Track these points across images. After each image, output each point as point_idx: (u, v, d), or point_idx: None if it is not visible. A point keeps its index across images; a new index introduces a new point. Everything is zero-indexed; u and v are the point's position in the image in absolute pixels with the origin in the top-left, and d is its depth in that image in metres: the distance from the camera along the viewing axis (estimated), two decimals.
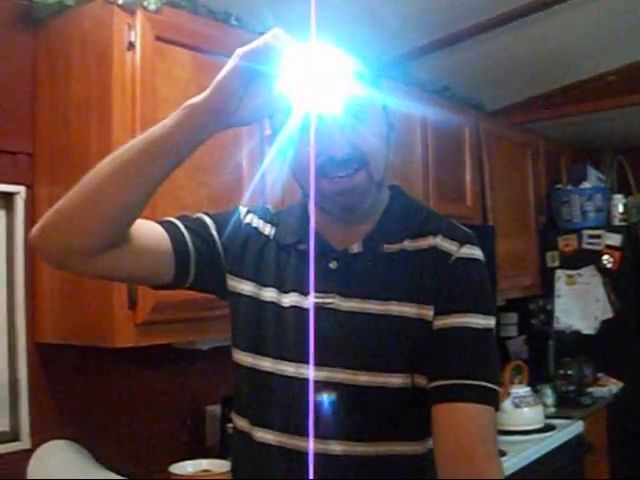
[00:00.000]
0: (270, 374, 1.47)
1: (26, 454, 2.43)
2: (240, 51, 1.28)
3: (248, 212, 1.62)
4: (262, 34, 2.70)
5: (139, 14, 2.31)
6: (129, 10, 2.29)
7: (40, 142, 2.50)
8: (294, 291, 1.49)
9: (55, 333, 2.44)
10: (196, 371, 2.96)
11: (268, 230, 1.58)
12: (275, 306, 1.50)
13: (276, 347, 1.48)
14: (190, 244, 1.51)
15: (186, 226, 1.53)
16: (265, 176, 2.62)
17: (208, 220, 1.57)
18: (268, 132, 1.50)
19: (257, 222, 1.59)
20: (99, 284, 2.25)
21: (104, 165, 1.34)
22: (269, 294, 1.51)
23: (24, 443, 2.44)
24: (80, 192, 1.35)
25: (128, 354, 2.44)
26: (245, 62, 1.27)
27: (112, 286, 2.23)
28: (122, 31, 2.28)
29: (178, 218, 1.55)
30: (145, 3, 2.33)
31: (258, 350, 1.50)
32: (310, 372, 1.39)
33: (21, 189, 2.47)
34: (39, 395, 2.50)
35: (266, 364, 1.48)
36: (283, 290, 1.50)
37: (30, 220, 2.48)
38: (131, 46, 2.29)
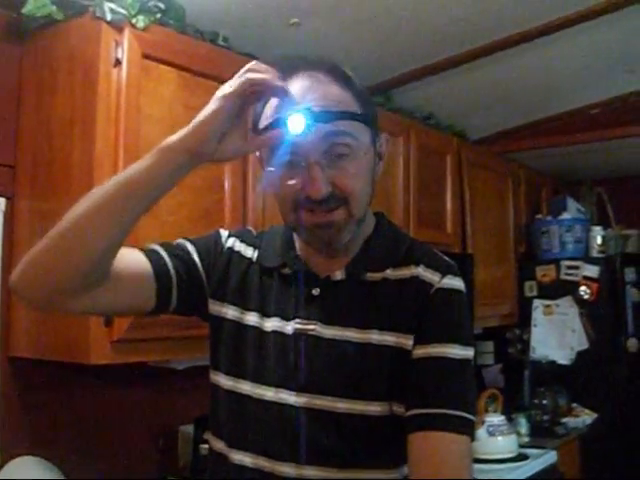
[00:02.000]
0: (249, 397, 1.46)
1: None
2: (220, 93, 1.29)
3: (230, 236, 1.60)
4: (249, 55, 2.74)
5: (127, 31, 2.31)
6: (117, 27, 2.30)
7: (22, 154, 2.49)
8: (276, 316, 1.48)
9: (29, 347, 2.42)
10: (170, 390, 2.94)
11: (250, 253, 1.56)
12: (256, 330, 1.49)
13: (256, 371, 1.47)
14: (172, 270, 1.49)
15: (167, 252, 1.51)
16: (247, 197, 2.62)
17: (189, 245, 1.56)
18: (257, 153, 1.49)
19: (239, 246, 1.58)
20: None
21: (83, 205, 1.34)
22: (251, 318, 1.50)
23: None
24: (59, 233, 1.34)
25: (102, 371, 2.42)
26: (226, 104, 1.28)
27: None
28: (109, 47, 2.29)
29: (159, 244, 1.54)
30: (133, 20, 2.33)
31: (237, 373, 1.49)
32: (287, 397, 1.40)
33: (1, 201, 2.46)
34: (10, 410, 2.47)
35: (245, 387, 1.47)
36: (265, 314, 1.49)
37: (9, 231, 2.47)
38: (118, 62, 2.29)
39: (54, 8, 2.37)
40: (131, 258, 1.45)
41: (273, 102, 1.38)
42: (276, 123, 1.34)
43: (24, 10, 2.36)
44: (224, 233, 1.61)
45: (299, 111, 1.30)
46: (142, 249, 1.50)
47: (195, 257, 1.54)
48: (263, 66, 1.30)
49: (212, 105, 1.29)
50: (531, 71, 3.77)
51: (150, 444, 2.86)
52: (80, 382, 2.66)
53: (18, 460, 2.43)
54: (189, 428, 2.87)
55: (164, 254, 1.50)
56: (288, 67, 1.40)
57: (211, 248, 1.57)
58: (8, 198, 2.48)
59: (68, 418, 2.63)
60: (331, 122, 1.34)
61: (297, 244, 1.53)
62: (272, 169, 1.39)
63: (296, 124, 1.30)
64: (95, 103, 2.26)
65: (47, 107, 2.42)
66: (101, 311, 1.62)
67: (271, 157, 1.39)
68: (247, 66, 1.30)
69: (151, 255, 1.49)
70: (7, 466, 2.40)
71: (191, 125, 1.30)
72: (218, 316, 1.54)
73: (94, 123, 2.25)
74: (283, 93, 1.31)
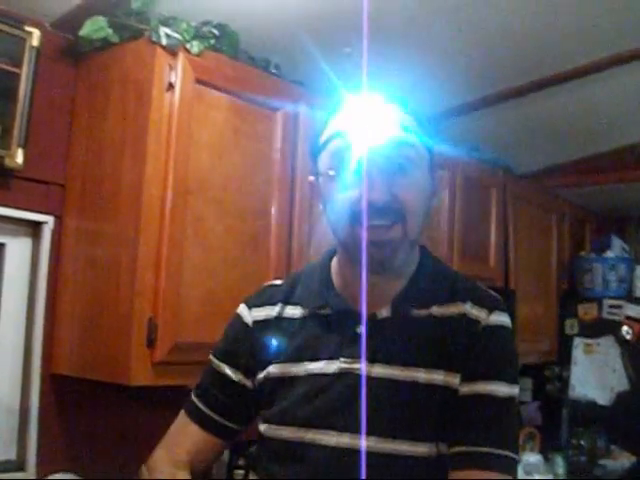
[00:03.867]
0: (291, 442, 1.45)
1: None
2: None
3: (249, 307, 1.60)
4: (299, 83, 2.76)
5: (181, 56, 2.34)
6: (172, 51, 2.33)
7: (73, 174, 2.52)
8: (320, 359, 1.46)
9: (71, 365, 2.44)
10: None
11: (276, 311, 1.56)
12: (301, 377, 1.47)
13: (300, 415, 1.45)
14: (216, 417, 1.58)
15: (206, 402, 1.59)
16: (293, 224, 2.63)
17: (217, 362, 1.61)
18: (311, 178, 1.49)
19: (260, 312, 1.58)
20: (118, 320, 2.26)
21: None
22: (295, 368, 1.48)
23: (29, 473, 2.41)
24: None
25: (142, 392, 2.43)
26: None
27: (132, 323, 2.23)
28: (163, 71, 2.31)
29: (196, 394, 1.62)
30: (188, 46, 2.36)
31: (281, 419, 1.47)
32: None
33: (50, 219, 2.49)
34: (49, 426, 2.49)
35: (287, 433, 1.46)
36: (309, 359, 1.47)
37: (56, 250, 2.49)
38: (170, 87, 2.31)
39: (110, 31, 2.41)
40: (187, 438, 1.60)
41: (334, 118, 1.40)
42: (337, 134, 1.35)
43: (80, 32, 2.40)
44: (242, 310, 1.61)
45: (362, 121, 1.31)
46: (187, 410, 1.62)
47: (228, 371, 1.58)
48: None
49: None
50: (580, 107, 3.74)
51: None
52: (119, 401, 2.67)
53: (56, 475, 2.44)
54: (224, 453, 2.86)
55: (202, 406, 1.59)
56: (345, 89, 1.43)
57: (238, 337, 1.59)
58: (57, 217, 2.51)
59: (105, 437, 2.64)
60: (394, 133, 1.35)
61: (336, 281, 1.52)
62: (331, 179, 1.39)
63: (358, 134, 1.30)
64: (147, 126, 2.28)
65: (99, 128, 2.46)
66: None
67: (330, 170, 1.39)
68: None
69: (195, 416, 1.60)
70: None
71: None
72: (262, 380, 1.53)
73: (145, 146, 2.28)
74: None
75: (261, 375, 1.53)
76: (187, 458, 1.57)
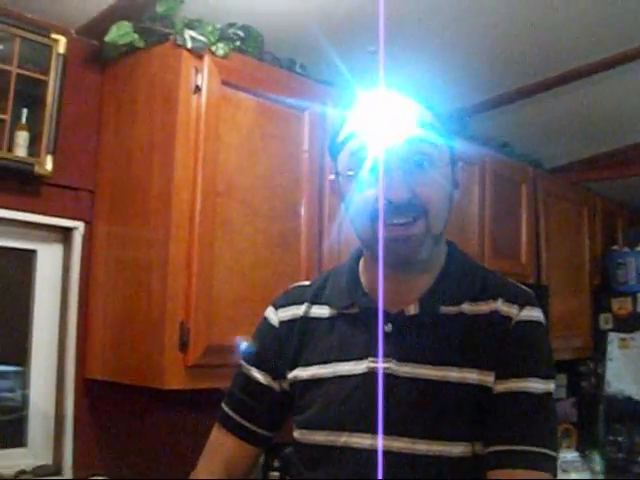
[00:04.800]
0: (324, 446, 1.43)
1: None
2: None
3: (276, 308, 1.59)
4: (325, 83, 2.75)
5: (207, 58, 2.34)
6: (197, 54, 2.33)
7: (102, 180, 2.53)
8: (350, 359, 1.44)
9: (104, 370, 2.45)
10: None
11: (303, 310, 1.54)
12: (331, 379, 1.45)
13: (332, 418, 1.43)
14: (255, 427, 1.57)
15: (235, 408, 1.59)
16: (323, 224, 2.62)
17: (246, 367, 1.60)
18: (331, 177, 1.49)
19: (286, 312, 1.57)
20: (151, 323, 2.26)
21: None
22: (323, 370, 1.47)
23: (66, 477, 2.43)
24: None
25: (176, 396, 2.43)
26: None
27: (164, 326, 2.23)
28: (189, 74, 2.31)
29: (226, 403, 1.61)
30: (213, 48, 2.36)
31: (312, 424, 1.46)
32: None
33: (80, 225, 2.50)
34: (84, 430, 2.50)
35: (318, 437, 1.44)
36: (337, 360, 1.45)
37: (87, 255, 2.50)
38: (197, 89, 2.31)
39: (136, 36, 2.42)
40: (224, 449, 1.58)
41: (351, 117, 1.40)
42: (354, 134, 1.34)
43: (106, 38, 2.41)
44: (269, 313, 1.60)
45: (378, 119, 1.30)
46: (218, 422, 1.61)
47: (257, 374, 1.57)
48: None
49: None
50: (608, 100, 3.70)
51: None
52: (153, 405, 2.68)
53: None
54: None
55: (233, 414, 1.58)
56: (368, 88, 1.41)
57: (265, 342, 1.58)
58: (87, 222, 2.52)
59: (140, 441, 2.65)
60: (413, 131, 1.34)
61: (363, 280, 1.50)
62: (351, 173, 1.38)
63: (375, 133, 1.30)
64: (174, 130, 2.29)
65: (127, 133, 2.46)
66: None
67: (350, 169, 1.38)
68: None
69: (228, 425, 1.58)
70: None
71: None
72: (292, 383, 1.52)
73: (173, 149, 2.28)
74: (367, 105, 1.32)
75: (290, 377, 1.51)
76: (223, 469, 1.57)
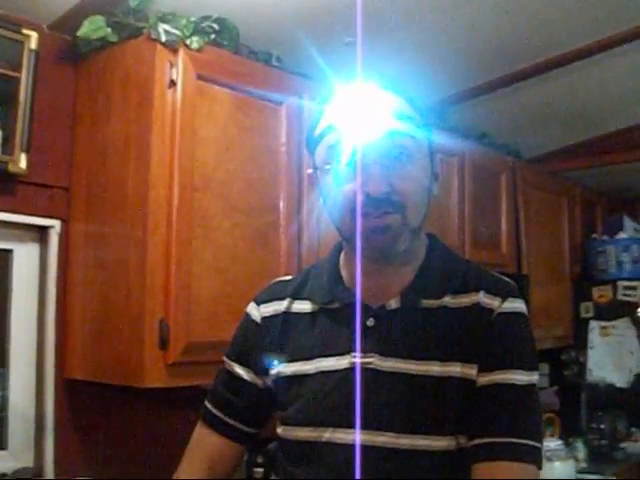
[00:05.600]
0: (308, 442, 1.42)
1: None
2: None
3: (258, 304, 1.58)
4: (302, 75, 2.74)
5: (181, 52, 2.31)
6: (172, 48, 2.30)
7: (77, 177, 2.50)
8: (332, 355, 1.43)
9: (84, 370, 2.42)
10: None
11: (285, 305, 1.54)
12: (313, 375, 1.44)
13: (315, 414, 1.42)
14: (232, 421, 1.57)
15: (218, 406, 1.59)
16: (302, 218, 2.60)
17: (229, 363, 1.59)
18: (309, 171, 1.47)
19: (268, 308, 1.56)
20: (130, 323, 2.24)
21: None
22: (305, 367, 1.46)
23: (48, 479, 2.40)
24: None
25: (156, 394, 2.42)
26: None
27: (143, 325, 2.21)
28: (164, 69, 2.28)
29: (209, 400, 1.61)
30: (188, 42, 2.33)
31: (295, 420, 1.45)
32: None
33: (56, 223, 2.47)
34: (65, 431, 2.48)
35: (302, 433, 1.43)
36: (319, 356, 1.44)
37: (64, 254, 2.47)
38: (172, 84, 2.29)
39: (109, 30, 2.38)
40: (208, 447, 1.58)
41: (328, 111, 1.39)
42: (330, 128, 1.32)
43: (79, 33, 2.38)
44: (251, 309, 1.59)
45: (355, 113, 1.29)
46: (203, 419, 1.60)
47: (240, 370, 1.57)
48: None
49: None
50: (586, 88, 3.71)
51: None
52: (134, 404, 2.65)
53: None
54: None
55: (219, 413, 1.58)
56: (349, 80, 1.40)
57: (248, 336, 1.57)
58: (63, 220, 2.49)
59: (121, 440, 2.63)
60: (391, 123, 1.33)
61: (344, 275, 1.49)
62: (328, 173, 1.38)
63: (352, 126, 1.28)
64: (150, 125, 2.26)
65: (102, 129, 2.43)
66: None
67: (327, 163, 1.38)
68: None
69: (212, 422, 1.58)
70: None
71: None
72: (275, 378, 1.51)
73: (149, 145, 2.25)
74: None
75: (273, 373, 1.50)
76: (207, 468, 1.56)
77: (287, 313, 1.52)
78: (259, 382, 1.54)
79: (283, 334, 1.51)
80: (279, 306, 1.54)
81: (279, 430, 1.49)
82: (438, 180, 1.47)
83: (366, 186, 1.31)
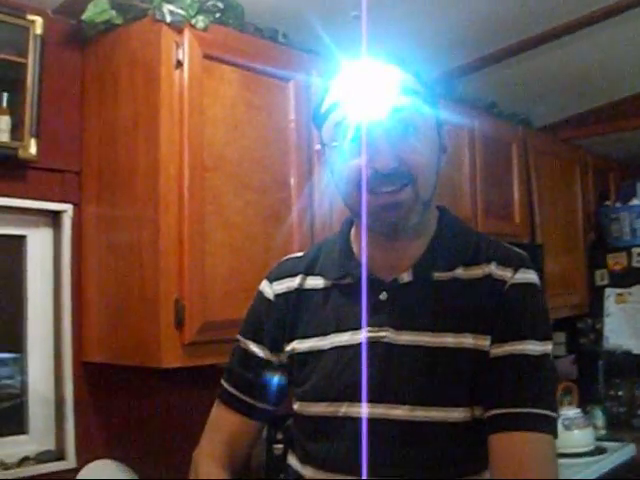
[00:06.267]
0: (325, 417, 1.43)
1: (71, 473, 2.42)
2: None
3: (270, 282, 1.59)
4: (309, 51, 2.73)
5: (187, 32, 2.30)
6: (177, 28, 2.29)
7: (88, 160, 2.51)
8: (346, 330, 1.44)
9: (101, 352, 2.43)
10: None
11: (297, 282, 1.54)
12: (329, 350, 1.46)
13: (330, 388, 1.43)
14: (256, 402, 1.57)
15: (234, 384, 1.59)
16: (313, 194, 2.60)
17: (243, 341, 1.59)
18: (318, 147, 1.47)
19: (281, 285, 1.56)
20: (145, 304, 2.25)
21: None
22: (320, 342, 1.47)
23: (69, 462, 2.43)
24: None
25: (174, 374, 2.42)
26: None
27: (159, 306, 2.21)
28: (170, 49, 2.28)
29: (226, 379, 1.61)
30: (193, 21, 2.32)
31: (312, 396, 1.46)
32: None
33: (68, 207, 2.48)
34: (85, 414, 2.49)
35: (318, 408, 1.45)
36: (334, 331, 1.46)
37: (77, 238, 2.48)
38: (179, 64, 2.28)
39: (114, 13, 2.38)
40: (226, 427, 1.58)
41: (334, 87, 1.38)
42: (336, 105, 1.32)
43: (84, 16, 2.37)
44: (264, 286, 1.60)
45: (361, 89, 1.29)
46: (219, 396, 1.61)
47: (254, 348, 1.57)
48: None
49: None
50: (595, 55, 3.68)
51: None
52: (152, 385, 2.67)
53: (95, 463, 2.46)
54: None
55: (233, 390, 1.58)
56: (351, 56, 1.40)
57: (261, 313, 1.58)
58: (75, 204, 2.49)
59: (141, 421, 2.65)
60: (396, 96, 1.33)
61: (356, 250, 1.49)
62: (335, 148, 1.38)
63: (358, 103, 1.28)
64: (158, 106, 2.25)
65: (110, 112, 2.43)
66: None
67: (334, 139, 1.37)
68: None
69: (228, 401, 1.58)
70: (84, 469, 2.43)
71: None
72: (290, 356, 1.52)
73: (158, 126, 2.25)
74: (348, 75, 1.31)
75: (288, 349, 1.51)
76: (226, 446, 1.57)
77: (300, 290, 1.53)
78: (274, 359, 1.55)
79: (296, 311, 1.52)
80: (292, 283, 1.54)
81: (295, 406, 1.51)
82: (446, 152, 1.47)
83: (374, 162, 1.32)
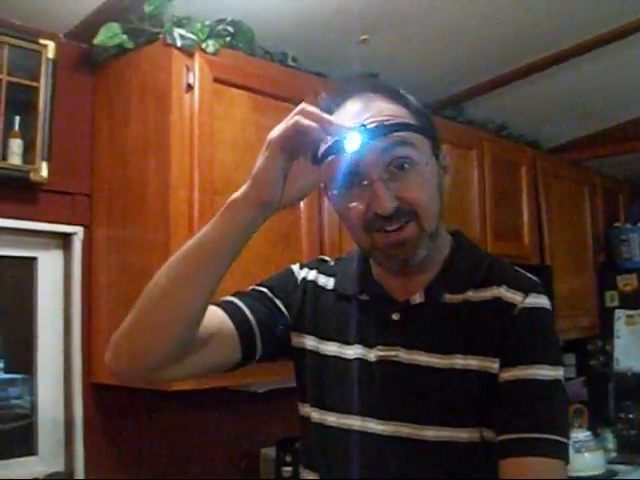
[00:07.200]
0: (336, 429, 1.44)
1: None
2: (272, 138, 1.27)
3: (302, 267, 1.59)
4: (319, 74, 2.74)
5: (197, 56, 2.33)
6: (188, 52, 2.31)
7: (98, 183, 2.52)
8: (357, 343, 1.45)
9: (110, 374, 2.43)
10: (251, 414, 2.94)
11: (324, 281, 1.55)
12: (338, 359, 1.46)
13: (341, 401, 1.44)
14: (252, 320, 1.47)
15: (244, 301, 1.50)
16: (323, 217, 2.61)
17: (263, 288, 1.55)
18: (322, 185, 1.46)
19: (313, 275, 1.57)
20: None
21: (160, 279, 1.31)
22: (330, 348, 1.48)
23: None
24: (142, 311, 1.32)
25: (183, 395, 2.43)
26: (278, 149, 1.27)
27: None
28: (181, 73, 2.30)
29: (234, 295, 1.52)
30: (204, 45, 2.35)
31: (323, 404, 1.47)
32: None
33: (79, 229, 2.49)
34: (94, 435, 2.50)
35: (331, 419, 1.45)
36: (345, 342, 1.46)
37: (87, 260, 2.49)
38: (189, 88, 2.30)
39: (125, 37, 2.40)
40: (212, 318, 1.42)
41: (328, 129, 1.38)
42: (334, 147, 1.32)
43: (95, 41, 2.40)
44: (296, 267, 1.60)
45: (355, 130, 1.28)
46: (218, 303, 1.47)
47: (271, 296, 1.52)
48: (311, 109, 1.28)
49: (265, 152, 1.28)
50: (604, 77, 3.68)
51: (232, 467, 2.85)
52: (161, 407, 2.67)
53: None
54: (271, 451, 2.86)
55: (241, 304, 1.48)
56: (342, 91, 1.41)
57: (286, 283, 1.56)
58: (86, 227, 2.51)
59: (150, 443, 2.65)
60: (388, 135, 1.32)
61: (373, 269, 1.50)
62: (336, 192, 1.37)
63: (353, 143, 1.28)
64: (168, 129, 2.27)
65: (121, 135, 2.45)
66: (191, 375, 1.53)
67: (334, 182, 1.36)
68: (297, 108, 1.28)
69: (229, 309, 1.46)
70: None
71: (251, 177, 1.29)
72: (299, 347, 1.53)
73: (168, 149, 2.27)
74: (334, 130, 1.28)
75: (298, 339, 1.52)
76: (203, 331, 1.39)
77: (327, 292, 1.54)
78: (287, 317, 1.52)
79: (316, 306, 1.52)
80: (320, 279, 1.56)
81: (306, 409, 1.50)
82: (447, 172, 1.47)
83: (374, 206, 1.31)
